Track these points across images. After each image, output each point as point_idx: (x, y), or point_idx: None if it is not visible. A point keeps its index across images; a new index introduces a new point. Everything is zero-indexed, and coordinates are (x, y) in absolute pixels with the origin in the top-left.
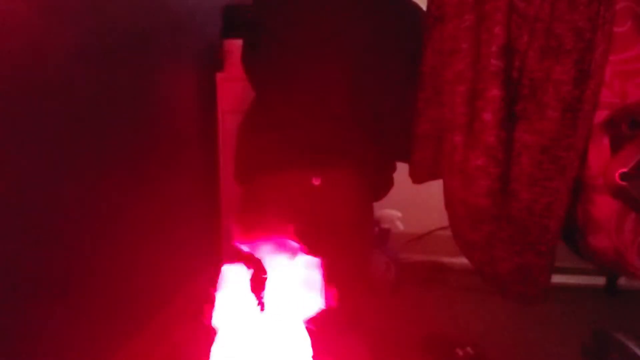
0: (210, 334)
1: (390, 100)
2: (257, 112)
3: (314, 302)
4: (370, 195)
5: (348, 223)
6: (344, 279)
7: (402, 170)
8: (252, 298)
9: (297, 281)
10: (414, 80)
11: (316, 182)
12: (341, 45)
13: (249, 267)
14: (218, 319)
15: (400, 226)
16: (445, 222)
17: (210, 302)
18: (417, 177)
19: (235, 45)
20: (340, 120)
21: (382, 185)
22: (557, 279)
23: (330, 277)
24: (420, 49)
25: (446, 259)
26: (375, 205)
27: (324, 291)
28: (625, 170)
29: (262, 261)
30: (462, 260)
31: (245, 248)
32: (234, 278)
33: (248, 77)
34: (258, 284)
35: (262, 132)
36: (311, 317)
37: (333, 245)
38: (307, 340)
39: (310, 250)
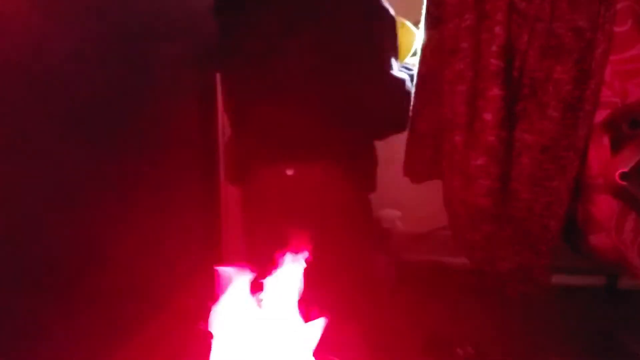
0: (209, 336)
1: (355, 83)
2: (235, 119)
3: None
4: (355, 183)
5: (333, 212)
6: (337, 272)
7: (402, 170)
8: (251, 300)
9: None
10: (372, 55)
11: (289, 172)
12: (296, 42)
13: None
14: (216, 323)
15: (400, 226)
16: (445, 221)
17: (208, 306)
18: (416, 176)
19: None
20: (308, 113)
21: (365, 171)
22: (557, 279)
23: (323, 270)
24: (374, 26)
25: (446, 259)
26: (375, 205)
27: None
28: (625, 170)
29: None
30: (462, 260)
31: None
32: (232, 281)
33: (237, 99)
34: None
35: (242, 136)
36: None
37: (321, 236)
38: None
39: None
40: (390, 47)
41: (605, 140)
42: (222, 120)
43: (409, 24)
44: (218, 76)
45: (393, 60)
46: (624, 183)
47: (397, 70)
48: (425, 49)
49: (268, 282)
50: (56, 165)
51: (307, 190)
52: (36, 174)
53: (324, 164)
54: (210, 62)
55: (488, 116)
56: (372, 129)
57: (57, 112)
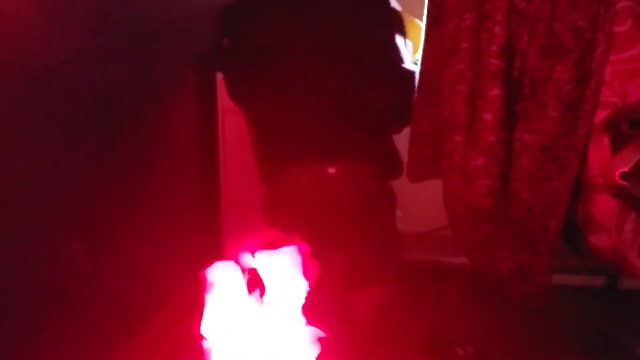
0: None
1: (366, 81)
2: (261, 131)
3: (299, 287)
4: (383, 175)
5: (365, 205)
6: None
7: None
8: (248, 297)
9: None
10: (383, 53)
11: (331, 170)
12: (301, 42)
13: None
14: (209, 325)
15: (400, 226)
16: (445, 221)
17: (200, 310)
18: (415, 176)
19: None
20: (315, 113)
21: (392, 160)
22: (557, 279)
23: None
24: (381, 23)
25: (446, 259)
26: None
27: (305, 274)
28: (625, 170)
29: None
30: (462, 260)
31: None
32: (224, 278)
33: (237, 99)
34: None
35: (253, 135)
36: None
37: (354, 228)
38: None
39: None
40: (399, 40)
41: (605, 140)
42: (222, 120)
43: (418, 21)
44: (218, 76)
45: (404, 53)
46: (624, 183)
47: (409, 62)
48: (425, 49)
49: (270, 280)
50: (56, 165)
51: (318, 191)
52: (36, 174)
53: (340, 163)
54: (211, 62)
55: (488, 116)
56: (387, 123)
57: (57, 112)
